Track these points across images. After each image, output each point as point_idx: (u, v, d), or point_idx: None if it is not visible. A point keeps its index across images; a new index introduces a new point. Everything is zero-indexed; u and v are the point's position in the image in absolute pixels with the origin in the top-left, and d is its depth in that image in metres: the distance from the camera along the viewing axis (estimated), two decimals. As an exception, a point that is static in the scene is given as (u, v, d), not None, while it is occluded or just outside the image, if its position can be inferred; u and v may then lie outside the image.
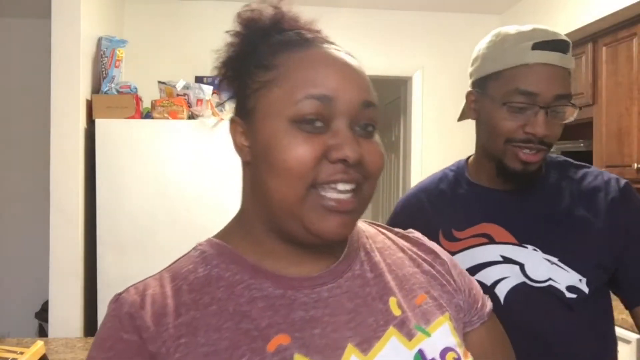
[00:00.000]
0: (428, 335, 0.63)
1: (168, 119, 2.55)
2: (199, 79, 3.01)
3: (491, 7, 3.71)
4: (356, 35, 3.71)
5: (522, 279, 1.01)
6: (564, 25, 3.08)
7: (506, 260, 1.02)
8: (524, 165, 0.99)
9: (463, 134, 3.86)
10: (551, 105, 0.96)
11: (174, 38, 3.53)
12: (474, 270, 1.03)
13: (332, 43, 0.65)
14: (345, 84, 0.59)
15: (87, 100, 2.51)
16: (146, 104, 2.70)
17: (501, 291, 1.01)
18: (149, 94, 2.72)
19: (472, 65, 1.11)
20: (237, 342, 0.57)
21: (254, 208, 0.64)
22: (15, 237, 3.72)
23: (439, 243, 1.05)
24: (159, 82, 2.72)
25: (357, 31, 3.69)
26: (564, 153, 3.13)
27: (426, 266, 0.71)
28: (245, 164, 0.65)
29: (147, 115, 2.64)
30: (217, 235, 0.68)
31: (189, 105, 2.65)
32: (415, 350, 0.61)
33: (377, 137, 0.63)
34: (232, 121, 0.65)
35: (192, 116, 2.64)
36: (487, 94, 1.02)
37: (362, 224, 0.75)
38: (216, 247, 0.65)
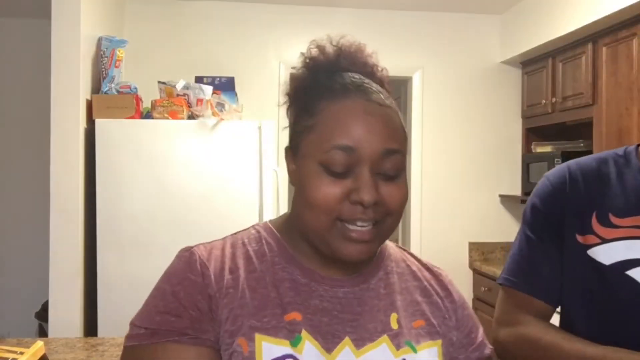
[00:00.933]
0: (415, 351, 0.74)
1: (168, 119, 2.55)
2: (199, 79, 3.01)
3: (491, 7, 3.71)
4: (356, 35, 3.70)
5: None
6: (564, 25, 3.08)
7: None
8: None
9: (463, 134, 3.86)
10: None
11: (174, 38, 3.53)
12: (626, 265, 0.92)
13: (373, 90, 0.72)
14: (367, 135, 0.69)
15: (87, 100, 2.51)
16: (146, 104, 2.70)
17: None
18: (149, 94, 2.72)
19: None
20: (265, 305, 0.71)
21: (297, 223, 0.76)
22: (15, 237, 3.72)
23: (590, 226, 0.98)
24: (159, 82, 2.72)
25: (357, 31, 3.65)
26: (564, 153, 3.14)
27: (436, 298, 0.81)
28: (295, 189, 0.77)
29: (147, 115, 2.63)
30: (274, 223, 0.81)
31: (189, 105, 2.65)
32: (400, 358, 0.73)
33: (401, 180, 0.72)
34: (286, 150, 0.78)
35: (192, 116, 2.64)
36: None
37: (393, 249, 0.85)
38: (269, 233, 0.79)
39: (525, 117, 3.77)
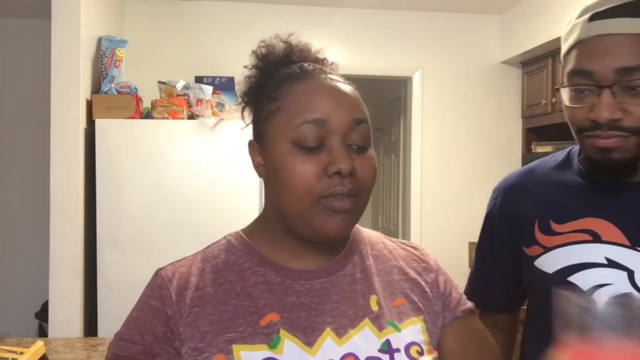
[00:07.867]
0: (398, 330, 0.75)
1: (168, 119, 2.56)
2: (199, 79, 3.02)
3: (491, 7, 3.71)
4: (356, 35, 3.71)
5: (629, 288, 0.85)
6: (564, 25, 3.08)
7: (611, 264, 0.87)
8: (603, 153, 0.84)
9: (463, 133, 3.86)
10: (617, 82, 0.80)
11: (174, 38, 3.53)
12: (569, 270, 0.89)
13: (330, 72, 0.75)
14: (336, 106, 0.70)
15: (87, 100, 2.51)
16: (146, 104, 2.70)
17: (601, 299, 0.91)
18: (149, 94, 2.72)
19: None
20: (238, 315, 0.71)
21: (273, 214, 0.76)
22: (15, 237, 3.72)
23: (533, 236, 0.95)
24: (159, 82, 2.72)
25: (357, 31, 3.69)
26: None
27: (413, 274, 0.82)
28: (265, 180, 0.76)
29: (147, 115, 2.64)
30: (244, 230, 0.81)
31: (189, 105, 2.65)
32: (384, 339, 0.73)
33: (370, 152, 0.73)
34: (250, 144, 0.77)
35: (192, 116, 2.65)
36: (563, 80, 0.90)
37: (367, 233, 0.86)
38: (239, 240, 0.79)
39: (525, 117, 3.77)
